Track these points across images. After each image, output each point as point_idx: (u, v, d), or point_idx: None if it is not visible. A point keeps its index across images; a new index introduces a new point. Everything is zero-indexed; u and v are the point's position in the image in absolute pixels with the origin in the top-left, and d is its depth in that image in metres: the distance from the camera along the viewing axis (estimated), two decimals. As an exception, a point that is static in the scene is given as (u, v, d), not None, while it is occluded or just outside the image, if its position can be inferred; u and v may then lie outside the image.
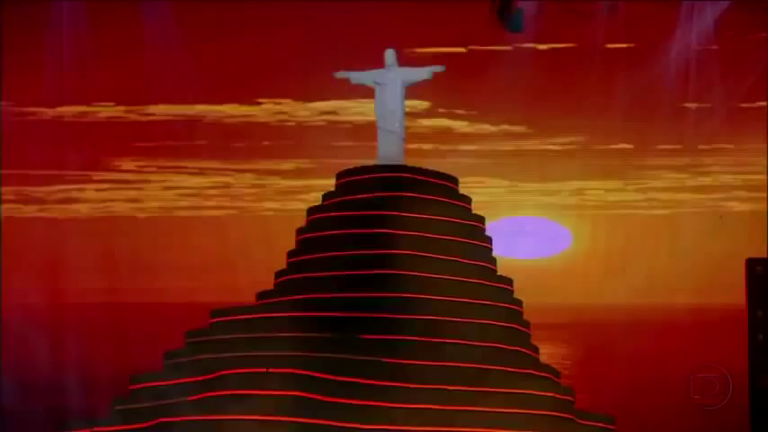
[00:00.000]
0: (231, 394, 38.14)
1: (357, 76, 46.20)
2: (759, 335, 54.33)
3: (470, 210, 45.63)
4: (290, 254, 44.66)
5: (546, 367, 43.62)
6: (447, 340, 40.40)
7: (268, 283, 44.44)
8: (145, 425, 38.83)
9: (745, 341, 67.93)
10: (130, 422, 39.38)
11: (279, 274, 44.46)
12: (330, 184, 46.01)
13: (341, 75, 46.08)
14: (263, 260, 48.33)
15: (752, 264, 69.73)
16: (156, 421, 38.55)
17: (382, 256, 41.90)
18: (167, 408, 38.72)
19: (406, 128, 45.32)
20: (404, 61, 46.25)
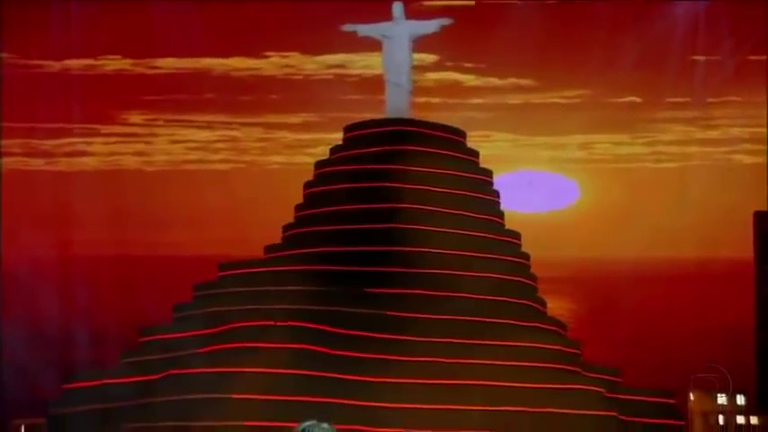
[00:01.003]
0: (239, 347, 38.23)
1: (365, 29, 46.12)
2: (767, 288, 54.29)
3: (478, 163, 45.58)
4: (298, 207, 44.69)
5: (552, 320, 43.71)
6: (453, 294, 40.45)
7: (276, 236, 44.48)
8: (153, 376, 38.98)
9: (751, 295, 67.95)
10: (139, 374, 39.54)
11: (286, 227, 44.50)
12: (338, 137, 45.94)
13: (349, 28, 46.00)
14: (271, 214, 48.46)
15: (760, 217, 69.64)
16: (165, 373, 38.70)
17: (389, 210, 41.88)
18: (176, 360, 38.87)
19: (414, 81, 45.24)
20: (411, 14, 46.14)
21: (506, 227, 44.99)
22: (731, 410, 69.53)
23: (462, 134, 45.79)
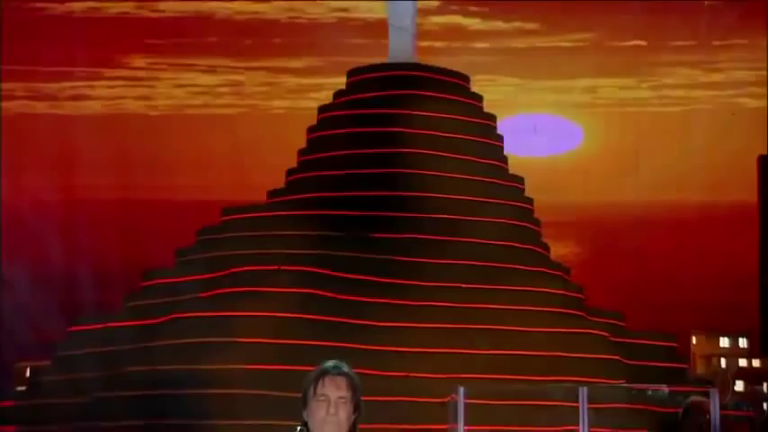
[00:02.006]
0: (243, 291, 38.26)
1: (368, -27, 45.82)
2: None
3: (482, 108, 45.47)
4: (301, 152, 44.63)
5: (556, 265, 43.78)
6: (458, 239, 40.46)
7: (279, 181, 44.46)
8: (157, 320, 39.00)
9: (755, 238, 68.16)
10: (143, 318, 39.57)
11: (290, 172, 44.47)
12: (341, 82, 45.82)
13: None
14: (274, 158, 48.36)
15: (765, 160, 69.61)
16: (168, 317, 38.72)
17: (393, 155, 41.84)
18: (179, 304, 38.87)
19: (418, 25, 44.97)
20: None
21: (510, 171, 44.95)
22: (733, 353, 69.92)
23: (466, 78, 45.62)
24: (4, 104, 51.68)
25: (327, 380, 7.28)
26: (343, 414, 7.22)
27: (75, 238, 50.84)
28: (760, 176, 69.20)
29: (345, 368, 7.32)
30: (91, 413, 36.60)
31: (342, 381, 7.33)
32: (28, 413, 38.36)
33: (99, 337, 39.53)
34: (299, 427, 7.21)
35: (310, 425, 7.27)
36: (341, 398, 7.23)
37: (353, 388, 7.34)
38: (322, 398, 7.23)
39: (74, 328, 41.43)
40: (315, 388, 7.26)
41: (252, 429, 33.96)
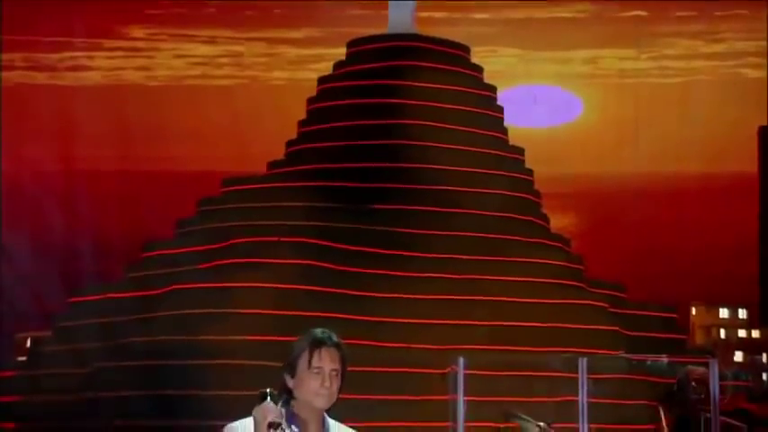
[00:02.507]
0: (242, 262, 38.30)
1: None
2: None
3: (482, 79, 45.41)
4: (301, 123, 44.59)
5: (556, 236, 43.82)
6: (458, 210, 40.48)
7: (279, 152, 44.44)
8: (157, 291, 39.06)
9: (755, 209, 68.17)
10: (143, 289, 39.62)
11: (290, 143, 44.46)
12: (341, 53, 45.73)
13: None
14: (275, 130, 48.25)
15: (765, 131, 69.51)
16: (168, 288, 38.78)
17: (393, 126, 41.82)
18: (179, 275, 38.92)
19: (418, -4, 44.89)
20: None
21: (510, 143, 44.94)
22: (733, 324, 70.09)
23: (466, 49, 45.49)
24: (4, 74, 51.59)
25: (324, 352, 7.22)
26: (335, 386, 7.20)
27: (75, 208, 50.86)
28: (760, 147, 69.20)
29: (336, 338, 7.29)
30: (92, 383, 36.70)
31: (335, 353, 7.29)
32: (29, 383, 38.47)
33: (99, 308, 39.59)
34: (268, 389, 7.15)
35: (298, 394, 7.22)
36: (334, 370, 7.20)
37: (344, 359, 7.32)
38: (316, 370, 7.18)
39: (74, 299, 41.50)
40: (310, 359, 7.20)
41: (252, 399, 34.06)
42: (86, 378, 37.01)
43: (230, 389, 31.88)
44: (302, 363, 7.26)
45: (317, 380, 7.21)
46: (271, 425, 6.98)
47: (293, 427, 7.10)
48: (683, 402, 14.81)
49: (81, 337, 38.94)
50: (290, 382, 7.31)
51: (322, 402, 7.31)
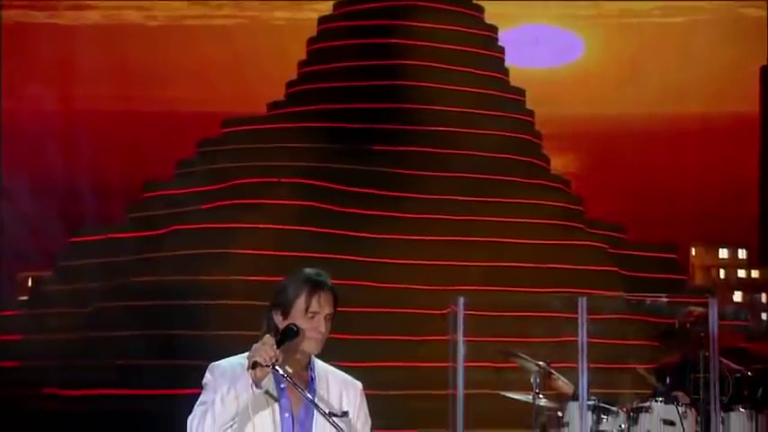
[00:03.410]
0: (242, 203, 38.34)
1: None
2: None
3: (483, 19, 45.19)
4: (302, 64, 44.42)
5: (556, 177, 43.82)
6: (458, 151, 40.46)
7: (279, 93, 44.28)
8: (157, 232, 39.11)
9: (756, 149, 68.06)
10: (143, 229, 39.69)
11: (290, 84, 44.32)
12: (341, -8, 45.51)
13: None
14: (275, 70, 48.05)
15: (766, 71, 69.22)
16: (169, 229, 38.83)
17: (393, 67, 41.68)
18: (180, 215, 38.97)
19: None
20: None
21: (511, 83, 44.81)
22: (732, 264, 70.24)
23: (467, -12, 45.29)
24: (3, 13, 51.32)
25: (323, 297, 7.15)
26: (327, 330, 7.14)
27: (75, 148, 50.77)
28: (762, 87, 68.93)
29: (329, 280, 7.22)
30: (93, 323, 36.88)
31: (331, 297, 7.22)
32: (30, 322, 38.64)
33: (100, 248, 39.68)
34: (292, 326, 7.08)
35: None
36: (329, 314, 7.15)
37: (336, 302, 7.27)
38: (312, 315, 7.11)
39: (75, 239, 41.57)
40: (308, 303, 7.13)
41: (252, 340, 34.20)
42: (87, 318, 37.19)
43: (230, 329, 32.02)
44: (298, 306, 7.16)
45: (312, 324, 7.14)
46: (255, 364, 6.92)
47: (287, 367, 7.06)
48: (682, 342, 14.88)
49: (82, 277, 39.07)
50: (282, 324, 7.25)
51: (315, 347, 7.25)
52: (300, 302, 7.13)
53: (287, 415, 7.21)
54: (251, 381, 6.83)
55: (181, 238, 38.03)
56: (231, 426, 7.00)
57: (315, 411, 7.06)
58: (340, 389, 7.30)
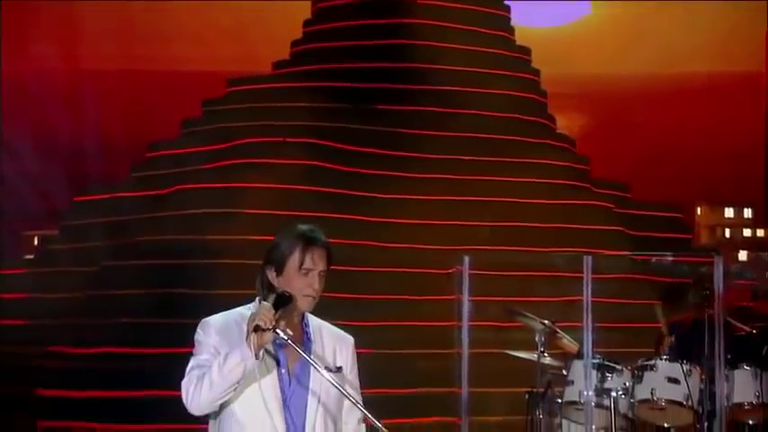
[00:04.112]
0: (247, 163, 38.32)
1: None
2: (777, 102, 54.04)
3: (489, -23, 44.99)
4: (307, 23, 44.25)
5: (562, 137, 43.74)
6: (463, 111, 40.36)
7: (284, 53, 44.14)
8: (162, 191, 39.09)
9: (762, 109, 67.90)
10: (148, 188, 39.67)
11: (295, 43, 44.17)
12: (346, -50, 45.26)
13: None
14: (280, 29, 47.87)
15: (773, 30, 69.00)
16: (174, 188, 38.81)
17: (398, 26, 41.54)
18: (184, 175, 38.94)
19: None
20: None
21: (517, 42, 44.65)
22: (738, 223, 70.24)
23: (473, -54, 45.05)
24: (5, -27, 51.10)
25: (317, 253, 7.12)
26: (320, 288, 7.13)
27: (79, 107, 50.69)
28: (768, 47, 68.68)
29: (324, 237, 7.19)
30: (99, 282, 36.93)
31: (324, 253, 7.20)
32: (36, 281, 38.71)
33: (106, 207, 39.67)
34: (284, 292, 7.05)
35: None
36: (322, 271, 7.13)
37: (330, 260, 7.24)
38: (305, 271, 7.09)
39: (80, 198, 41.57)
40: (302, 260, 7.10)
41: (254, 298, 34.23)
42: (93, 276, 37.23)
43: (234, 288, 32.01)
44: (292, 262, 7.15)
45: (306, 281, 7.12)
46: (257, 328, 6.92)
47: (288, 330, 7.06)
48: (688, 301, 14.89)
49: (87, 236, 39.09)
50: (276, 281, 7.23)
51: (308, 305, 7.25)
52: (294, 259, 7.12)
53: (284, 371, 7.23)
54: (250, 351, 6.83)
55: (185, 198, 38.03)
56: (228, 395, 7.01)
57: (311, 367, 7.08)
58: (334, 344, 7.35)
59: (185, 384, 6.98)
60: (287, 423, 7.07)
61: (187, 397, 6.89)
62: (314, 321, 7.25)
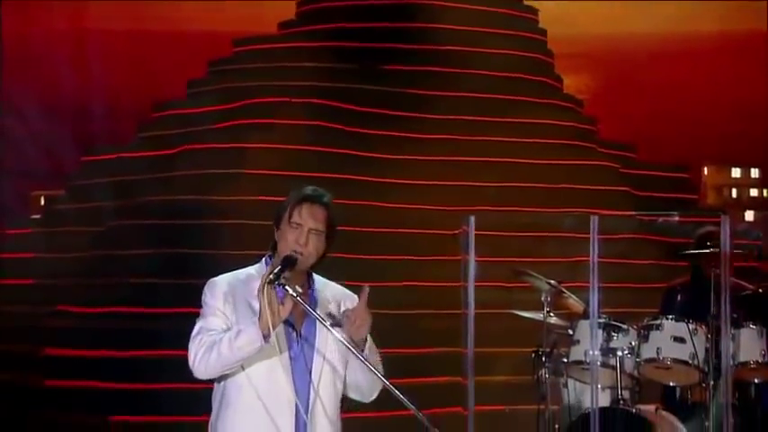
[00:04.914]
0: (253, 123, 38.30)
1: None
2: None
3: (494, -65, 44.77)
4: (313, -18, 44.11)
5: (568, 97, 43.63)
6: (469, 71, 40.25)
7: (290, 12, 44.01)
8: (169, 151, 39.11)
9: (769, 68, 67.55)
10: (155, 149, 39.69)
11: (300, 3, 44.03)
12: None
13: None
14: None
15: (781, -11, 68.66)
16: (180, 148, 38.83)
17: (405, -16, 41.44)
18: (191, 135, 38.94)
19: None
20: None
21: (524, 2, 44.49)
22: (745, 183, 70.10)
23: None
24: (9, -67, 50.90)
25: (305, 208, 7.16)
26: (312, 247, 7.13)
27: (85, 68, 50.58)
28: (776, 6, 68.31)
29: (326, 198, 7.20)
30: (106, 241, 36.98)
31: (320, 212, 7.22)
32: (43, 241, 38.76)
33: (112, 167, 39.66)
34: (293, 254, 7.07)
35: (279, 249, 7.20)
36: (314, 229, 7.14)
37: (330, 221, 7.23)
38: (295, 225, 7.13)
39: (87, 158, 41.58)
40: (290, 213, 7.15)
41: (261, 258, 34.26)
42: (100, 236, 37.28)
43: (242, 248, 32.12)
44: (285, 216, 7.23)
45: (293, 235, 7.17)
46: (271, 280, 6.95)
47: (297, 287, 7.10)
48: (694, 260, 14.91)
49: (95, 196, 39.10)
50: (276, 236, 7.32)
51: (301, 262, 7.27)
52: (286, 213, 7.18)
53: (291, 330, 7.29)
54: (261, 333, 6.87)
55: (192, 158, 38.04)
56: (236, 367, 7.04)
57: (317, 327, 7.13)
58: (339, 302, 7.41)
59: (194, 349, 7.04)
60: (294, 383, 7.12)
61: (194, 362, 6.94)
62: (319, 280, 7.35)
